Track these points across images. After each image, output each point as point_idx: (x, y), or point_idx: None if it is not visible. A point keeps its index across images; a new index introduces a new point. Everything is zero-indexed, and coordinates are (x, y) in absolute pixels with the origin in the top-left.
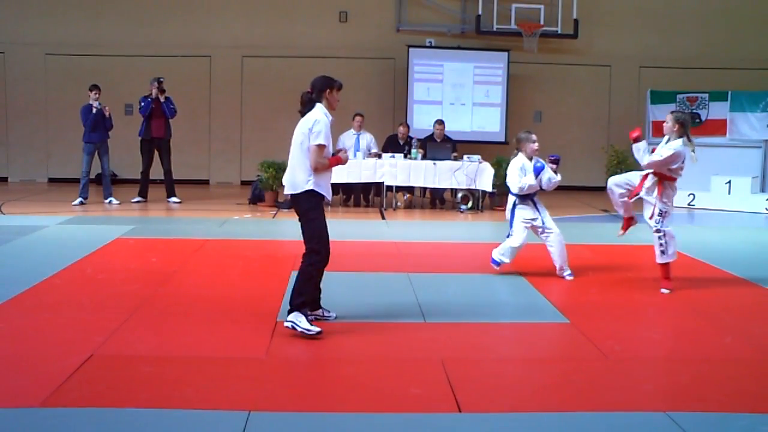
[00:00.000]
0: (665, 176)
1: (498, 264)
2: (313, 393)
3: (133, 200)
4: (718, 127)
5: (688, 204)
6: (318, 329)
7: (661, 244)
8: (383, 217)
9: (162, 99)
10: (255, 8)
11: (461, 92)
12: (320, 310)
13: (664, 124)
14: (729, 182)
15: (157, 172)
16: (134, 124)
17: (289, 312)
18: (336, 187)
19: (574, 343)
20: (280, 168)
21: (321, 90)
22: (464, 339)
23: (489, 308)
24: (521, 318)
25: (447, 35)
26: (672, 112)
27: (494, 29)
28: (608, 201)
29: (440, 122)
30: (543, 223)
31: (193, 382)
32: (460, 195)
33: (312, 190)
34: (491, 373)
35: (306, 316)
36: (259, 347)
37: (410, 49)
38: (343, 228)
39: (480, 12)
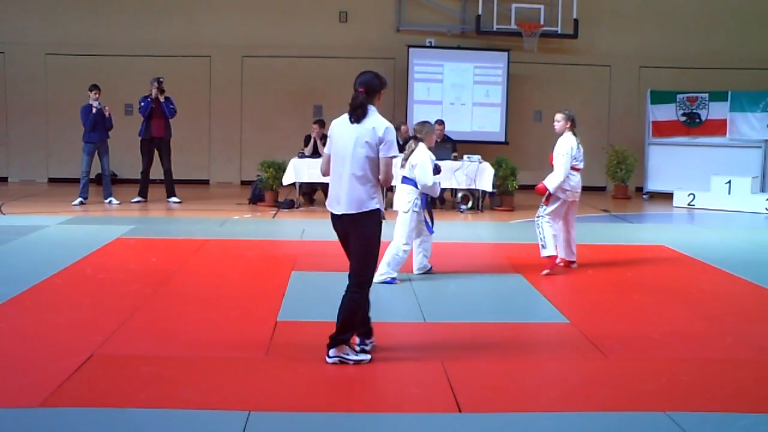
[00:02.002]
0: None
1: (392, 281)
2: (313, 393)
3: (133, 200)
4: (718, 127)
5: (688, 204)
6: (369, 356)
7: (541, 238)
8: (383, 217)
9: (162, 99)
10: (255, 8)
11: (461, 92)
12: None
13: (556, 123)
14: (729, 182)
15: (157, 172)
16: (134, 124)
17: (331, 346)
18: None
19: (574, 343)
20: (280, 168)
21: (377, 90)
22: (464, 339)
23: (489, 308)
24: (521, 318)
25: (447, 35)
26: (561, 112)
27: (494, 29)
28: (608, 201)
29: (440, 122)
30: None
31: (193, 382)
32: (460, 195)
33: (378, 210)
34: (491, 373)
35: (349, 346)
36: (259, 347)
37: (410, 49)
38: None
39: (480, 12)
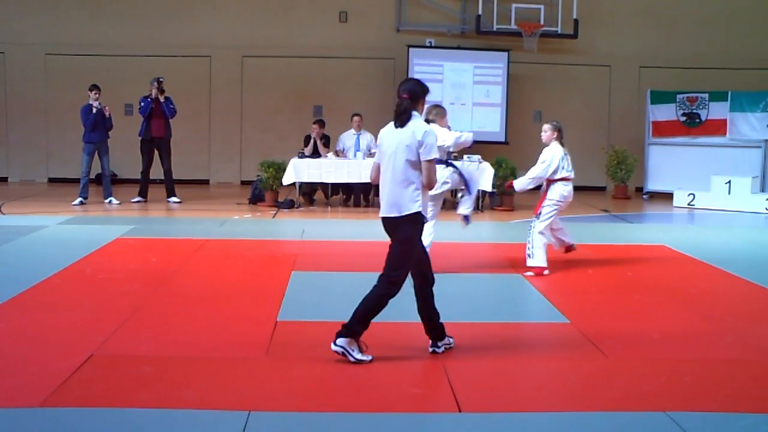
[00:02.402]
0: (550, 180)
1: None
2: (313, 393)
3: (133, 200)
4: (718, 127)
5: (688, 204)
6: (371, 357)
7: (529, 247)
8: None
9: (162, 99)
10: (255, 8)
11: (461, 92)
12: (447, 339)
13: (543, 134)
14: (729, 182)
15: (157, 172)
16: (134, 124)
17: (340, 335)
18: (336, 187)
19: (574, 343)
20: (280, 168)
21: (420, 96)
22: (464, 339)
23: (489, 308)
24: (521, 318)
25: (447, 35)
26: (548, 123)
27: (494, 29)
28: (608, 201)
29: None
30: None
31: (193, 382)
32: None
33: (419, 213)
34: (491, 373)
35: (358, 344)
36: (259, 347)
37: (410, 49)
38: (343, 228)
39: (480, 12)
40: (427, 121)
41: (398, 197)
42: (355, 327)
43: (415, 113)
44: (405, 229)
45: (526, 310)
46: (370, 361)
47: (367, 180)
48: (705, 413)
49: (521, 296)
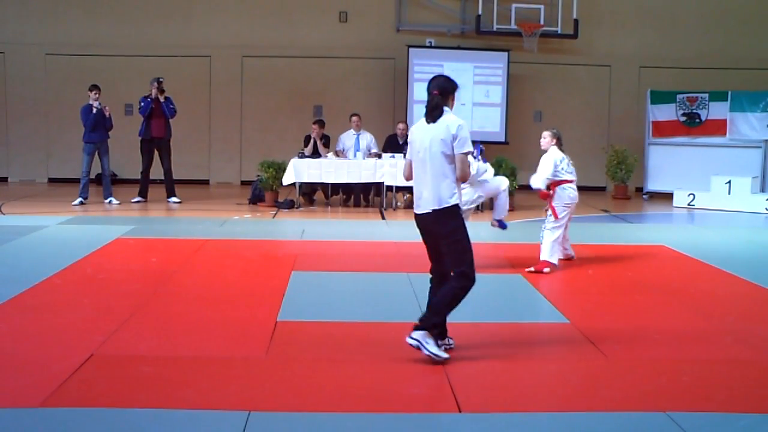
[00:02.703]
0: (556, 182)
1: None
2: (313, 393)
3: (133, 200)
4: (718, 127)
5: (688, 204)
6: (448, 355)
7: (542, 244)
8: (383, 217)
9: (162, 99)
10: (255, 8)
11: (461, 92)
12: (447, 339)
13: (542, 140)
14: (729, 182)
15: (157, 172)
16: (134, 124)
17: (417, 328)
18: (336, 187)
19: (574, 343)
20: (280, 168)
21: (450, 92)
22: (464, 339)
23: (489, 308)
24: (521, 318)
25: (447, 35)
26: (548, 130)
27: (494, 29)
28: (608, 201)
29: None
30: None
31: (193, 382)
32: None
33: (457, 205)
34: (491, 373)
35: (435, 339)
36: (259, 347)
37: (410, 49)
38: (343, 228)
39: (480, 12)
40: None
41: (437, 191)
42: (431, 319)
43: (446, 108)
44: (447, 222)
45: (526, 310)
46: (446, 360)
47: (367, 180)
48: (705, 413)
49: (521, 296)
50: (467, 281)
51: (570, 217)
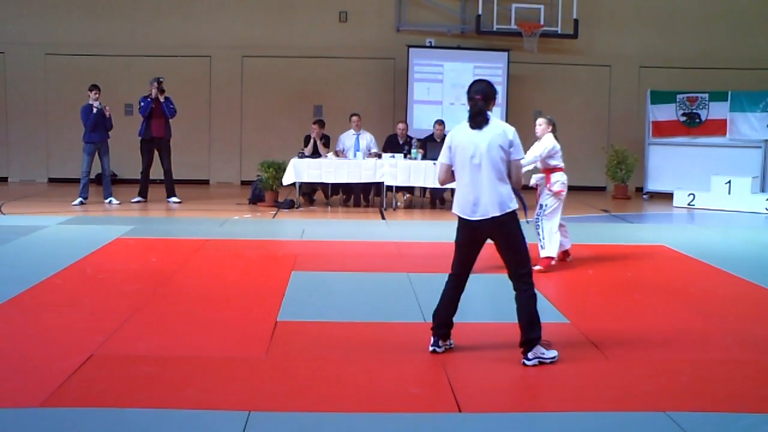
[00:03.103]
0: (550, 169)
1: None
2: (313, 393)
3: (133, 200)
4: (718, 127)
5: (688, 204)
6: (556, 351)
7: (540, 238)
8: (383, 217)
9: (162, 99)
10: (255, 8)
11: (461, 92)
12: (449, 341)
13: (537, 127)
14: (729, 182)
15: (157, 172)
16: (134, 124)
17: (527, 349)
18: (336, 187)
19: (574, 344)
20: (280, 168)
21: (491, 98)
22: (464, 339)
23: (489, 308)
24: None
25: (447, 35)
26: (542, 116)
27: (494, 29)
28: (608, 201)
29: (440, 122)
30: None
31: (193, 382)
32: None
33: (515, 209)
34: (491, 373)
35: (541, 344)
36: (259, 347)
37: (410, 49)
38: (343, 228)
39: (480, 12)
40: None
41: (499, 196)
42: (536, 333)
43: (489, 113)
44: (510, 226)
45: None
46: (557, 357)
47: (367, 180)
48: (705, 413)
49: None
50: (532, 283)
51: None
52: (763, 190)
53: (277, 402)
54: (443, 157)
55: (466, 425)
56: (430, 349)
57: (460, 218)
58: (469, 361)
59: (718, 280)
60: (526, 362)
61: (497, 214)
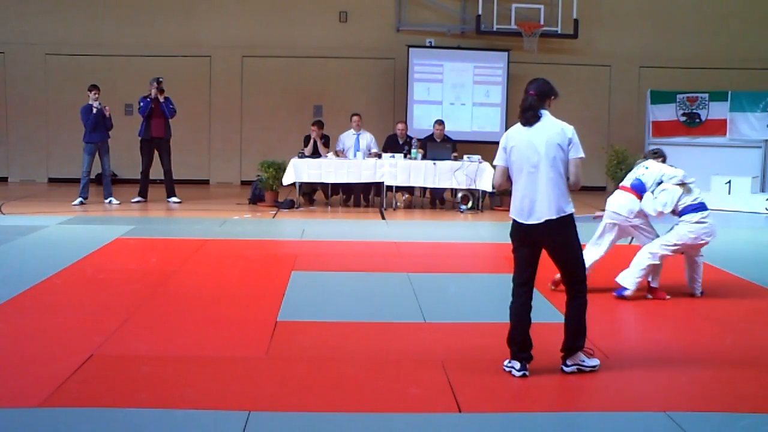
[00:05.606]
0: None
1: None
2: (313, 393)
3: (133, 200)
4: (718, 127)
5: None
6: (598, 360)
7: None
8: (383, 217)
9: (161, 99)
10: (255, 8)
11: (461, 92)
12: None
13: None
14: (729, 182)
15: (157, 172)
16: (134, 124)
17: (568, 355)
18: (336, 187)
19: None
20: (280, 168)
21: (547, 95)
22: (464, 339)
23: (489, 308)
24: None
25: (447, 35)
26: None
27: (494, 29)
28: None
29: (440, 122)
30: None
31: (193, 382)
32: (460, 195)
33: (572, 213)
34: (491, 373)
35: (584, 352)
36: (259, 347)
37: (410, 49)
38: (343, 228)
39: (480, 12)
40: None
41: (557, 198)
42: (581, 342)
43: (543, 111)
44: (568, 230)
45: None
46: (598, 365)
47: (367, 180)
48: (705, 413)
49: None
50: (586, 290)
51: None
52: (763, 190)
53: (277, 402)
54: (499, 159)
55: (466, 425)
56: (518, 374)
57: (514, 221)
58: (469, 361)
59: (718, 280)
60: (565, 368)
61: (552, 217)
